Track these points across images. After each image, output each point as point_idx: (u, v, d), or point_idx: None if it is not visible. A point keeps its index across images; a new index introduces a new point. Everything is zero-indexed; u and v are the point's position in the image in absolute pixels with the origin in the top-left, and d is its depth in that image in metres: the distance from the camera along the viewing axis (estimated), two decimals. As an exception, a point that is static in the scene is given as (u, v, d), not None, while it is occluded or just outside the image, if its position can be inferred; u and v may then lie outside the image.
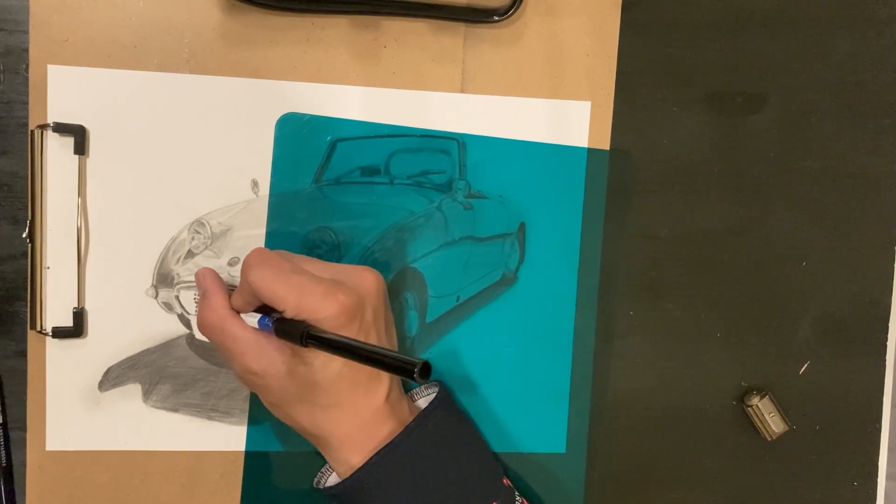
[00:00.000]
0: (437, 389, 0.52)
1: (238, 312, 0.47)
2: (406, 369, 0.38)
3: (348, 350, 0.41)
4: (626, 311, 0.58)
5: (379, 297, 0.47)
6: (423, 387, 0.53)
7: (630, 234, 0.57)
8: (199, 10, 0.51)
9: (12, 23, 0.50)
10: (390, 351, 0.45)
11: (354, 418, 0.46)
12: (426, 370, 0.37)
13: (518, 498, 0.51)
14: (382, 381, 0.47)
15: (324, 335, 0.42)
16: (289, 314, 0.44)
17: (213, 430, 0.54)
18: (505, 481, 0.52)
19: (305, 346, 0.43)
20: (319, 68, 0.53)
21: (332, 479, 0.49)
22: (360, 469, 0.46)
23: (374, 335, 0.46)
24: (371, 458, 0.46)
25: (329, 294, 0.44)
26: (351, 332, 0.44)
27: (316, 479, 0.51)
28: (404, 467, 0.47)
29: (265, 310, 0.47)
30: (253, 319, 0.46)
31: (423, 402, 0.52)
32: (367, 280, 0.47)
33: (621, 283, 0.57)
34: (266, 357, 0.45)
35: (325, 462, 0.51)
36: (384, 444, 0.47)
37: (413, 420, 0.48)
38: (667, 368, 0.58)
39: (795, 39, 0.58)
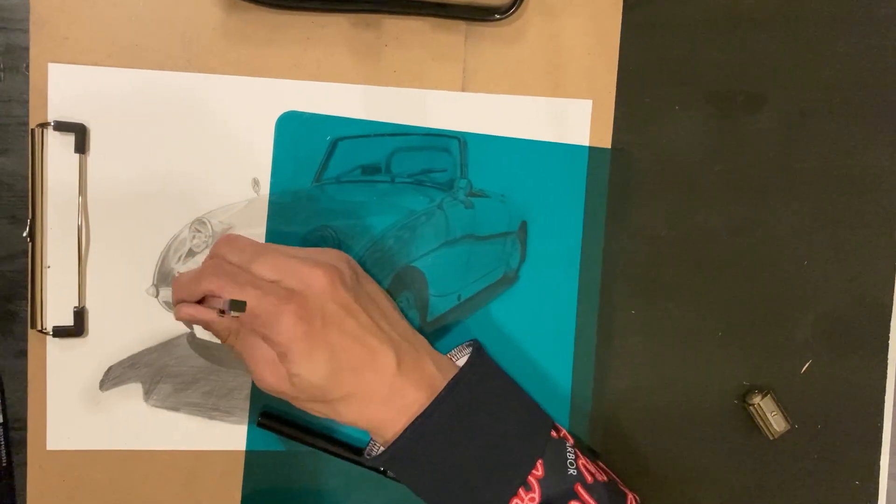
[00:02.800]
0: (470, 349, 0.52)
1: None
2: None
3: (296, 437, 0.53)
4: (627, 311, 0.58)
5: (336, 291, 0.46)
6: (458, 348, 0.53)
7: (631, 233, 0.57)
8: (199, 8, 0.51)
9: (13, 21, 0.50)
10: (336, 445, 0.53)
11: (371, 399, 0.46)
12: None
13: (570, 448, 0.50)
14: (384, 354, 0.47)
15: (273, 421, 0.53)
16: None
17: (214, 429, 0.54)
18: (554, 434, 0.51)
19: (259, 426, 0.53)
20: (320, 67, 0.53)
21: (377, 450, 0.51)
22: (393, 443, 0.47)
23: (335, 334, 0.46)
24: (404, 432, 0.46)
25: (279, 307, 0.44)
26: (310, 340, 0.45)
27: (367, 450, 0.52)
28: (439, 436, 0.47)
29: None
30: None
31: (462, 362, 0.52)
32: (315, 278, 0.46)
33: (622, 283, 0.57)
34: (274, 368, 0.46)
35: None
36: (411, 409, 0.47)
37: (444, 388, 0.48)
38: (668, 368, 0.58)
39: (795, 39, 0.58)
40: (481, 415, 0.49)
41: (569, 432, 0.53)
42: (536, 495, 0.48)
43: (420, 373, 0.48)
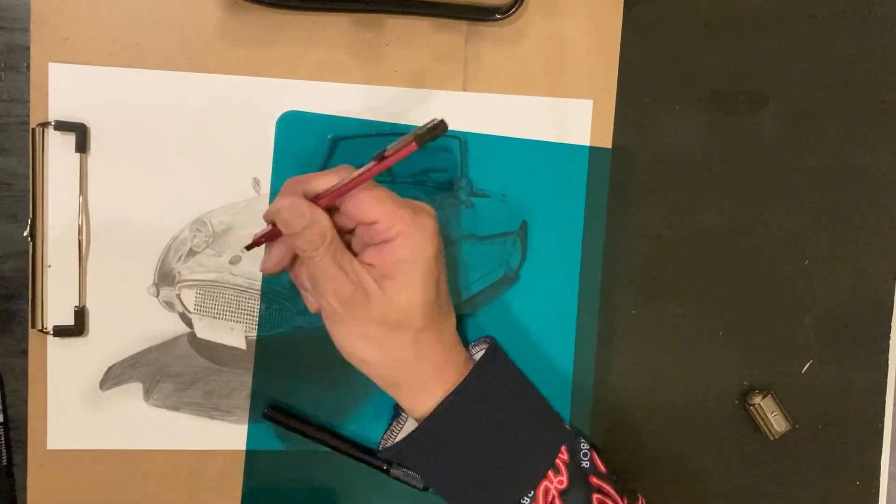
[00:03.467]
0: (487, 345, 0.53)
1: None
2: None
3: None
4: (627, 310, 0.58)
5: (440, 236, 0.48)
6: (474, 343, 0.54)
7: (632, 233, 0.57)
8: (200, 8, 0.51)
9: (13, 21, 0.50)
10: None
11: (440, 339, 0.48)
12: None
13: (583, 441, 0.52)
14: (450, 316, 0.49)
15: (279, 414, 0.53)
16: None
17: (214, 428, 0.54)
18: (566, 427, 0.53)
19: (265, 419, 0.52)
20: (321, 66, 0.53)
21: (411, 425, 0.51)
22: (429, 417, 0.47)
23: (440, 270, 0.47)
24: (438, 408, 0.47)
25: (417, 220, 0.45)
26: (431, 264, 0.46)
27: (382, 443, 0.53)
28: (470, 414, 0.48)
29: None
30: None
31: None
32: (430, 218, 0.47)
33: (623, 282, 0.57)
34: (367, 289, 0.45)
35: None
36: (462, 369, 0.49)
37: (472, 369, 0.49)
38: (668, 367, 0.58)
39: (796, 39, 0.58)
40: (506, 399, 0.50)
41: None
42: (564, 479, 0.49)
43: (459, 346, 0.50)
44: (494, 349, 0.51)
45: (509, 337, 0.56)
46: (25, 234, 0.51)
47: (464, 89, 0.54)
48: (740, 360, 0.59)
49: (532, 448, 0.49)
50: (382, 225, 0.44)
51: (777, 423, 0.58)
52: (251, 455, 0.54)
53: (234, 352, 0.53)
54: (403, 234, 0.45)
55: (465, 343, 0.53)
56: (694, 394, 0.59)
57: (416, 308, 0.46)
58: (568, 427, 0.53)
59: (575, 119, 0.55)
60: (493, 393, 0.49)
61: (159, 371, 0.53)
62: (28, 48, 0.50)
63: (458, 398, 0.47)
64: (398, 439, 0.50)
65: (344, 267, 0.45)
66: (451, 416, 0.48)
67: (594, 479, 0.50)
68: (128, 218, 0.51)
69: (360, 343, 0.46)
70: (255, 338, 0.53)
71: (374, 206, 0.44)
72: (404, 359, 0.47)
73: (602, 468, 0.52)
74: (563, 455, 0.50)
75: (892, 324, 0.60)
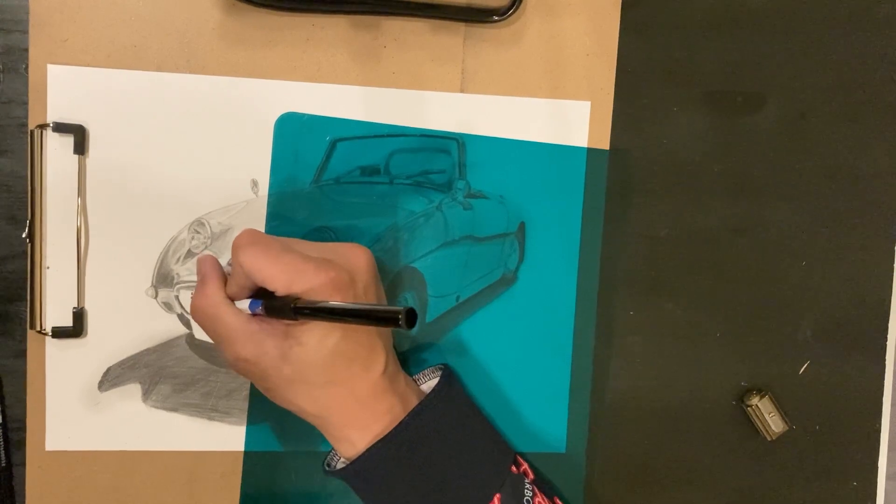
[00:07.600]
0: (440, 374, 0.52)
1: (233, 300, 0.47)
2: (392, 318, 0.38)
3: (336, 313, 0.42)
4: (625, 311, 0.58)
5: (369, 273, 0.47)
6: (429, 370, 0.53)
7: (630, 234, 0.57)
8: (198, 9, 0.51)
9: (12, 22, 0.50)
10: (375, 304, 0.46)
11: (352, 394, 0.46)
12: (411, 317, 0.37)
13: (529, 485, 0.51)
14: (378, 355, 0.47)
15: (311, 304, 0.43)
16: (280, 293, 0.44)
17: (213, 430, 0.54)
18: (513, 469, 0.51)
19: (296, 318, 0.43)
20: (319, 68, 0.53)
21: (341, 463, 0.50)
22: (364, 454, 0.46)
23: None
24: (375, 444, 0.46)
25: (320, 271, 0.44)
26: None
27: (326, 461, 0.51)
28: (399, 461, 0.47)
29: (260, 295, 0.47)
30: (245, 304, 0.46)
31: (426, 389, 0.52)
32: (357, 257, 0.47)
33: (621, 283, 0.57)
34: (258, 343, 0.45)
35: (324, 458, 0.51)
36: (383, 418, 0.47)
37: (408, 414, 0.47)
38: (666, 368, 0.58)
39: (795, 39, 0.58)
40: (442, 445, 0.48)
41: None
42: None
43: (396, 385, 0.48)
44: (438, 392, 0.50)
45: (507, 338, 0.56)
46: (24, 235, 0.51)
47: (462, 90, 0.54)
48: (738, 361, 0.59)
49: (458, 499, 0.48)
50: (279, 289, 0.44)
51: (774, 423, 0.58)
52: (250, 456, 0.54)
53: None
54: (306, 293, 0.44)
55: (462, 346, 0.54)
56: (692, 394, 0.59)
57: (313, 366, 0.45)
58: (515, 467, 0.51)
59: (573, 120, 0.55)
60: (425, 441, 0.48)
61: (158, 372, 0.53)
62: (27, 50, 0.50)
63: (388, 444, 0.46)
64: (337, 466, 0.50)
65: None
66: (371, 465, 0.46)
67: None
68: (126, 219, 0.52)
69: (266, 392, 0.47)
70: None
71: (261, 271, 0.44)
72: (310, 412, 0.47)
73: None
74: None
75: (890, 325, 0.60)
